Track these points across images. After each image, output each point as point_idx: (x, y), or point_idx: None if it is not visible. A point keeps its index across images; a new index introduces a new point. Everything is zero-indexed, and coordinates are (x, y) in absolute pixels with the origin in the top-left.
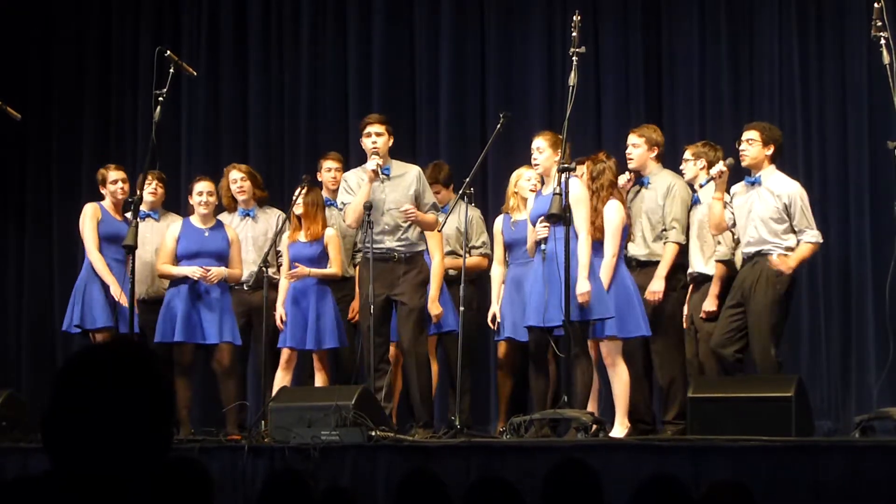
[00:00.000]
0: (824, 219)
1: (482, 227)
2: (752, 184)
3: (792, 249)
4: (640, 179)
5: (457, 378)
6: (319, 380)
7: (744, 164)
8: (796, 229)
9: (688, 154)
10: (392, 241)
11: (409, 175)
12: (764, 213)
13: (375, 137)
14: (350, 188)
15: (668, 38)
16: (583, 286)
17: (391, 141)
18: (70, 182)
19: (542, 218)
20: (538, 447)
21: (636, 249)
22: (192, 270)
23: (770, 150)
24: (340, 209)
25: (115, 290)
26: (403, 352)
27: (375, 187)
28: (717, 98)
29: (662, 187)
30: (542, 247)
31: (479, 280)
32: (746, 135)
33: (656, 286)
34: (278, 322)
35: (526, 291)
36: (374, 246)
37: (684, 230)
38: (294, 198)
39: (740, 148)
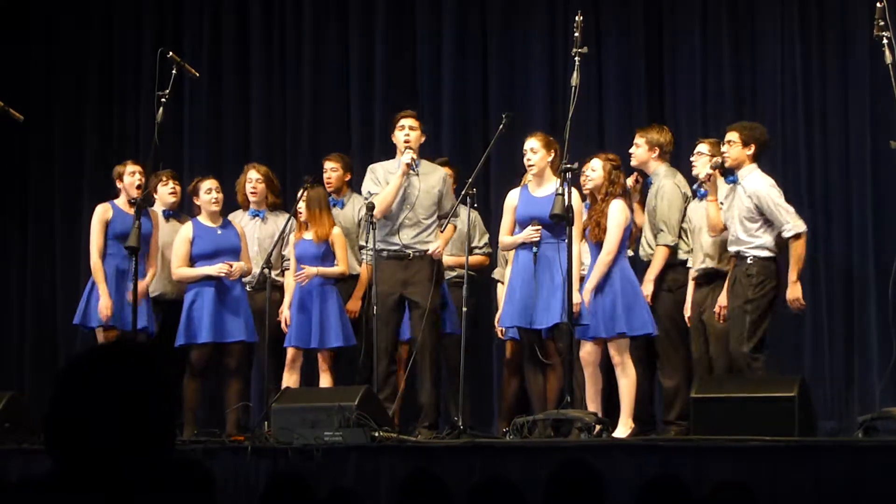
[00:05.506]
0: (827, 218)
1: (483, 228)
2: (734, 183)
3: (766, 248)
4: (646, 180)
5: (458, 379)
6: (325, 380)
7: (726, 164)
8: (776, 227)
9: (704, 148)
10: (409, 237)
11: (436, 175)
12: (740, 212)
13: (409, 131)
14: (377, 180)
15: (671, 37)
16: (576, 296)
17: (423, 139)
18: (72, 184)
19: (535, 220)
20: (541, 448)
21: (644, 250)
22: (217, 269)
23: (751, 150)
24: (366, 198)
25: (104, 303)
26: (417, 351)
27: (409, 180)
28: (720, 97)
29: (656, 188)
30: (535, 249)
31: (480, 280)
32: (727, 136)
33: (646, 290)
34: (283, 325)
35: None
36: (390, 240)
37: (673, 231)
38: (297, 198)
39: (722, 149)
